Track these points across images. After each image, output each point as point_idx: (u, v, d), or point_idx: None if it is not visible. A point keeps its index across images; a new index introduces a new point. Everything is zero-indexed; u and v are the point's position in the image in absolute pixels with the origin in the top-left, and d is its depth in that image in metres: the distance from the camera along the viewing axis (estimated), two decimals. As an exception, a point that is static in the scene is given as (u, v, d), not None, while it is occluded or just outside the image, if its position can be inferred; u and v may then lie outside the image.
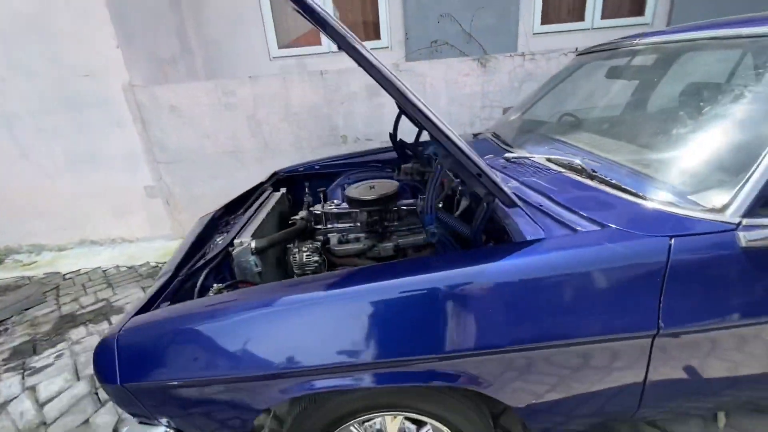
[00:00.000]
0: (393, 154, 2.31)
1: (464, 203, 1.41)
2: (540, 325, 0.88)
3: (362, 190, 1.62)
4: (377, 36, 3.98)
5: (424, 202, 1.07)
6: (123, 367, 0.92)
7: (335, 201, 1.86)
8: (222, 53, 3.86)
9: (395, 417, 1.08)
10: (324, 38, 3.89)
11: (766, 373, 0.99)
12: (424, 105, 0.88)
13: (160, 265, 3.11)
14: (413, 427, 1.12)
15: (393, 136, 2.21)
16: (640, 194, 1.00)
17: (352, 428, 1.09)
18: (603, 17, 3.78)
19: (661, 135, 1.25)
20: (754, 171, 0.88)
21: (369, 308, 0.88)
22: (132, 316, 0.99)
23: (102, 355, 0.94)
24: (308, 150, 3.27)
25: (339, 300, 0.90)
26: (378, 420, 1.09)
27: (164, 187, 3.36)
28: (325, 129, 3.23)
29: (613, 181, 1.08)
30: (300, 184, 2.29)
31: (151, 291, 1.14)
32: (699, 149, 1.09)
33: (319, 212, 1.74)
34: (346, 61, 3.24)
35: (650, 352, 0.91)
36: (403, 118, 1.92)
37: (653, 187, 1.01)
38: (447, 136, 0.89)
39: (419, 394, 1.00)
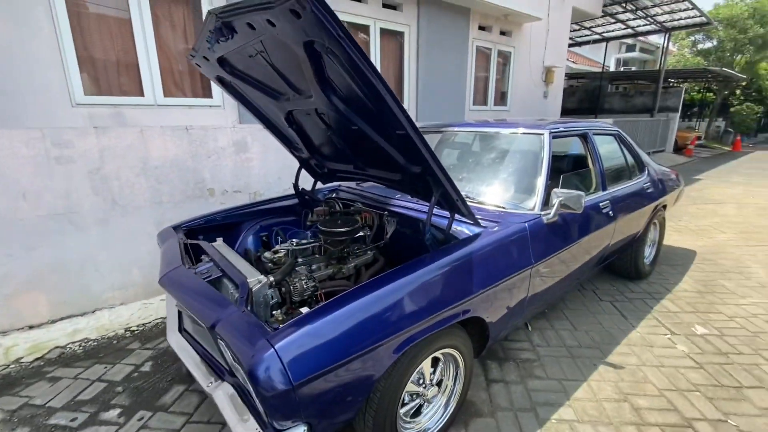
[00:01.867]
0: (288, 202, 2.73)
1: (390, 228, 2.12)
2: (497, 271, 1.71)
3: (333, 224, 2.03)
4: (209, 95, 4.11)
5: (426, 221, 1.71)
6: (292, 370, 1.10)
7: (294, 240, 2.15)
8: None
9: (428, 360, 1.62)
10: (147, 89, 3.65)
11: (564, 278, 2.18)
12: (433, 158, 1.57)
13: (-55, 385, 2.10)
14: (430, 369, 1.69)
15: (296, 185, 2.66)
16: (505, 207, 2.03)
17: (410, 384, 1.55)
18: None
19: (493, 180, 2.39)
20: (536, 193, 2.06)
21: (420, 286, 1.45)
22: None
23: (265, 368, 1.08)
24: (170, 205, 3.06)
25: (404, 285, 1.41)
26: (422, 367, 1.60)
27: (-70, 272, 2.29)
28: (189, 183, 3.13)
29: (492, 204, 2.08)
30: (195, 236, 2.30)
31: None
32: (514, 185, 2.27)
33: (285, 251, 2.01)
34: (172, 114, 3.77)
35: (530, 276, 1.90)
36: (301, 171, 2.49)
37: (508, 204, 2.08)
38: (445, 177, 1.61)
39: (448, 333, 1.61)
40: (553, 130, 2.37)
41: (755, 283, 3.32)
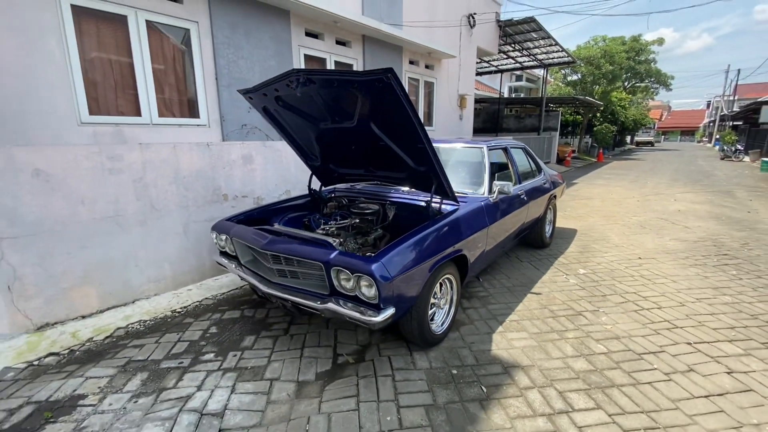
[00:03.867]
0: (300, 201, 3.58)
1: (391, 212, 3.14)
2: (471, 228, 2.83)
3: (360, 209, 2.96)
4: (197, 115, 4.67)
5: (429, 202, 2.75)
6: (390, 270, 2.04)
7: (335, 220, 3.04)
8: (5, 114, 3.26)
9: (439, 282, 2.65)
10: (144, 109, 4.10)
11: (502, 240, 3.40)
12: (438, 160, 2.62)
13: None
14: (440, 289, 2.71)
15: (309, 188, 3.53)
16: (467, 193, 3.20)
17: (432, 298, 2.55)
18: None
19: (458, 176, 3.55)
20: (484, 183, 3.27)
21: (438, 233, 2.50)
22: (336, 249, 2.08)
23: (379, 269, 2.00)
24: (194, 208, 3.64)
25: (431, 232, 2.44)
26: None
27: (6, 269, 2.63)
28: (209, 190, 3.74)
29: (460, 191, 3.23)
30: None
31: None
32: (471, 179, 3.45)
33: (333, 226, 2.90)
34: (164, 132, 4.69)
35: (486, 234, 3.07)
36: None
37: (469, 191, 3.25)
38: (443, 174, 2.68)
39: (448, 265, 2.65)
40: (488, 145, 3.64)
41: (612, 245, 5.03)
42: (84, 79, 3.45)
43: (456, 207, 2.88)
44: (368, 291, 2.09)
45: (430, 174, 2.69)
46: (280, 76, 2.45)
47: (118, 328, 2.94)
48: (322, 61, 6.12)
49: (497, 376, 2.33)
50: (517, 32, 11.62)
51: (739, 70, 34.15)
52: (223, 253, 3.07)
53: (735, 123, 30.75)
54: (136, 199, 3.24)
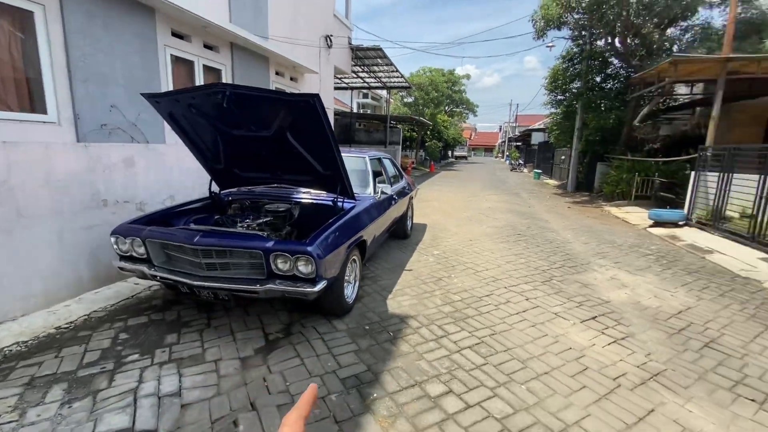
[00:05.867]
0: (199, 204, 3.75)
1: (296, 211, 3.68)
2: (367, 219, 3.61)
3: (275, 207, 3.34)
4: (43, 111, 4.07)
5: (335, 200, 3.37)
6: (321, 251, 2.61)
7: (250, 217, 3.32)
8: None
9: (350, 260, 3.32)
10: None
11: (384, 230, 4.29)
12: (344, 166, 3.28)
13: None
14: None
15: (210, 190, 3.74)
16: (359, 193, 3.98)
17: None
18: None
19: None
20: (370, 185, 4.12)
21: (348, 222, 3.20)
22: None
23: (314, 250, 2.55)
24: (70, 215, 3.30)
25: (345, 221, 3.11)
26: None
27: None
28: (87, 194, 3.43)
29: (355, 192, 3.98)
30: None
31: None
32: (360, 182, 4.23)
33: (252, 222, 3.21)
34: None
35: (377, 224, 3.90)
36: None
37: (361, 191, 4.03)
38: (347, 176, 3.35)
39: (355, 248, 3.35)
40: (369, 155, 4.52)
41: (452, 233, 6.63)
42: None
43: (354, 204, 3.61)
44: (305, 268, 2.61)
45: (336, 177, 3.35)
46: (202, 87, 2.72)
47: (-9, 353, 2.55)
48: (190, 64, 5.97)
49: (397, 324, 3.15)
50: (365, 56, 13.21)
51: (518, 105, 45.87)
52: (125, 258, 3.00)
53: (517, 144, 41.13)
54: (-2, 205, 2.81)
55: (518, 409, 2.18)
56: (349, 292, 3.38)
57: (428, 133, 27.75)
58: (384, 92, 21.16)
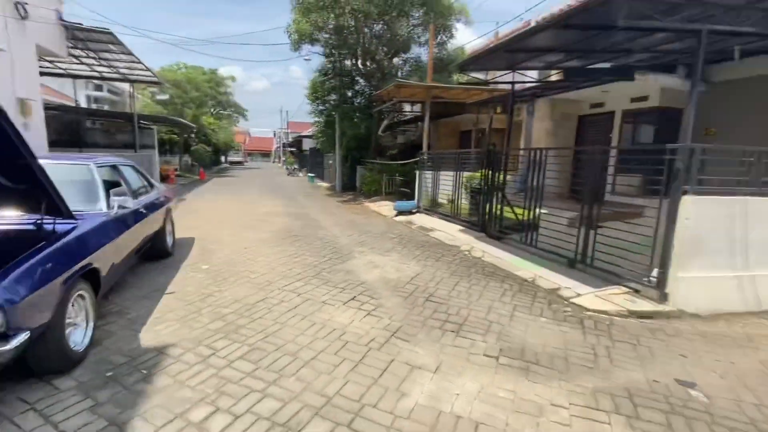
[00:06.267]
0: None
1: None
2: (100, 241, 2.92)
3: None
4: None
5: (40, 226, 2.52)
6: (15, 293, 1.94)
7: None
8: None
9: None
10: None
11: (129, 253, 3.58)
12: (46, 176, 2.51)
13: None
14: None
15: None
16: (84, 211, 3.17)
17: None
18: None
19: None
20: (98, 200, 3.37)
21: (55, 253, 2.51)
22: None
23: (4, 295, 1.85)
24: None
25: (49, 254, 2.41)
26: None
27: None
28: None
29: (78, 210, 3.11)
30: None
31: None
32: (73, 197, 3.34)
33: None
34: None
35: (116, 246, 3.21)
36: None
37: (86, 209, 3.20)
38: (53, 188, 2.58)
39: (82, 281, 2.65)
40: (95, 162, 3.66)
41: (226, 244, 6.24)
42: None
43: (74, 225, 2.85)
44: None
45: (37, 192, 2.55)
46: None
47: None
48: None
49: (153, 358, 2.72)
50: (89, 39, 10.54)
51: (287, 111, 47.47)
52: None
53: (291, 149, 42.61)
54: None
55: (288, 400, 2.29)
56: (78, 337, 2.65)
57: (193, 136, 24.95)
58: (126, 86, 17.49)
